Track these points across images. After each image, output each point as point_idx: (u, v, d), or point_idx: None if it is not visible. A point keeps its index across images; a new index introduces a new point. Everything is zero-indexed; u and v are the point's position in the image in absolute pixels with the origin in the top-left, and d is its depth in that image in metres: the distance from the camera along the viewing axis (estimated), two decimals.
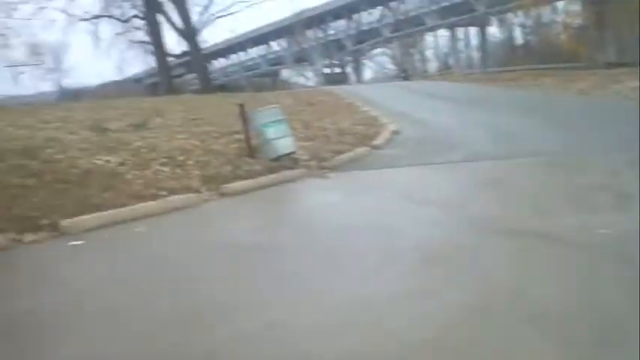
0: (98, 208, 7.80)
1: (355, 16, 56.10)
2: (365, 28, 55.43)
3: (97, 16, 29.65)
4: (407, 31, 50.95)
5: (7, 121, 12.59)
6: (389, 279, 4.94)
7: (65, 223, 7.24)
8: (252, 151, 10.65)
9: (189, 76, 34.99)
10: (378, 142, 12.89)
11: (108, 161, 9.84)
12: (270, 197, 8.96)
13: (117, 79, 36.57)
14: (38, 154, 9.82)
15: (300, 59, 55.50)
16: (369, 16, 55.78)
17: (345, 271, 5.23)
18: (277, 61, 56.38)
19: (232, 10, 36.17)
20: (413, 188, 8.50)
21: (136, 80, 39.48)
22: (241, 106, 10.85)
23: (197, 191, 8.80)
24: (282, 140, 10.45)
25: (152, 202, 8.13)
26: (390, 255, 5.54)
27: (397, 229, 6.36)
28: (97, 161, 9.78)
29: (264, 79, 50.51)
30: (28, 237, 7.01)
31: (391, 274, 5.03)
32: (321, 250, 5.86)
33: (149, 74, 38.73)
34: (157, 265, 5.79)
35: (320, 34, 56.82)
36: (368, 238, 6.15)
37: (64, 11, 12.25)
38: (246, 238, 6.44)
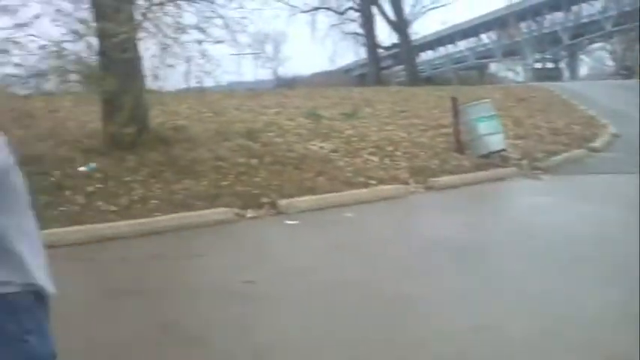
0: (312, 191, 8.22)
1: (574, 8, 52.34)
2: (584, 20, 51.45)
3: (315, 8, 31.19)
4: (632, 24, 46.32)
5: (233, 105, 13.74)
6: (606, 295, 4.43)
7: (282, 202, 7.73)
8: (460, 146, 10.48)
9: (397, 68, 35.38)
10: (596, 144, 11.97)
11: (322, 147, 10.32)
12: (477, 194, 8.75)
13: (328, 69, 38.18)
14: (259, 137, 10.60)
15: (510, 53, 53.21)
16: (590, 8, 51.67)
17: (559, 279, 4.90)
18: (486, 55, 54.67)
19: (444, 1, 35.65)
20: (637, 198, 7.73)
21: (346, 71, 40.84)
22: (454, 99, 10.71)
23: (404, 183, 8.88)
24: (493, 136, 10.14)
25: (362, 190, 8.37)
26: (611, 270, 5.00)
27: (621, 243, 5.76)
28: (312, 147, 10.31)
29: (471, 73, 49.25)
30: (250, 213, 7.60)
31: (610, 291, 4.49)
32: (532, 254, 5.56)
33: (358, 65, 39.84)
34: (366, 253, 5.90)
35: (534, 27, 53.95)
36: (585, 249, 5.66)
37: (287, 3, 13.23)
38: (453, 234, 6.34)
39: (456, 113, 10.57)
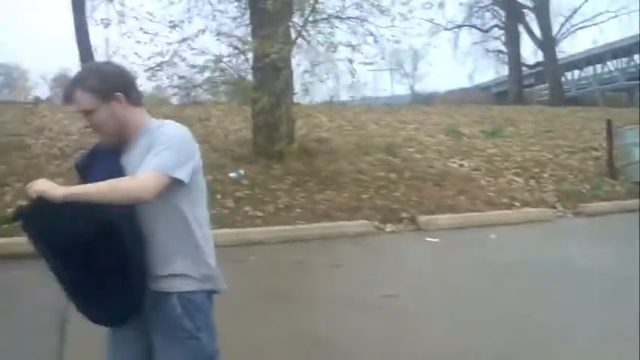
0: (452, 209, 8.09)
1: None
2: None
3: (459, 26, 30.65)
4: None
5: (372, 119, 13.83)
6: None
7: (422, 219, 7.67)
8: (613, 171, 9.86)
9: (538, 87, 33.96)
10: None
11: (462, 165, 10.14)
12: (631, 223, 8.11)
13: (465, 86, 37.40)
14: (399, 152, 10.59)
15: None
16: None
17: None
18: (638, 75, 51.05)
19: (596, 20, 33.72)
20: None
21: (483, 88, 39.79)
22: (609, 122, 10.11)
23: (551, 206, 8.51)
24: None
25: (505, 211, 8.12)
26: None
27: None
28: (452, 164, 10.15)
29: (620, 94, 46.23)
30: (389, 227, 7.61)
31: None
32: None
33: (496, 83, 38.68)
34: (507, 278, 5.63)
35: None
36: None
37: (431, 20, 13.09)
38: (605, 266, 5.85)
39: (610, 136, 9.96)
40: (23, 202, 1.85)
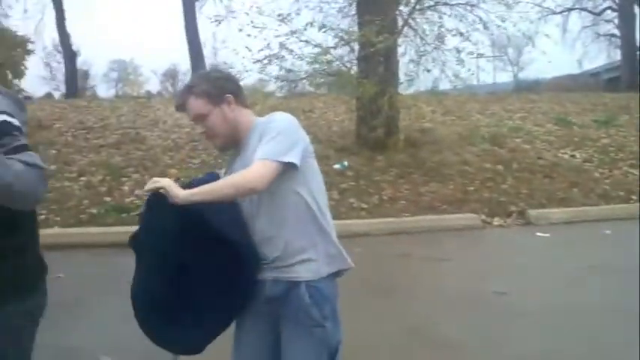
0: (563, 202, 7.79)
1: None
2: None
3: (569, 9, 29.18)
4: None
5: (475, 109, 13.48)
6: None
7: (532, 213, 7.43)
8: None
9: None
10: None
11: (573, 156, 9.71)
12: None
13: (571, 72, 35.62)
14: (505, 142, 10.28)
15: None
16: None
17: None
18: None
19: None
20: None
21: (592, 74, 37.72)
22: None
23: None
24: None
25: (621, 205, 7.72)
26: None
27: None
28: (563, 155, 9.74)
29: None
30: (497, 220, 7.43)
31: None
32: None
33: (607, 69, 36.60)
34: (624, 276, 5.15)
35: None
36: None
37: (538, 4, 12.40)
38: None
39: None
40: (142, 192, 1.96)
